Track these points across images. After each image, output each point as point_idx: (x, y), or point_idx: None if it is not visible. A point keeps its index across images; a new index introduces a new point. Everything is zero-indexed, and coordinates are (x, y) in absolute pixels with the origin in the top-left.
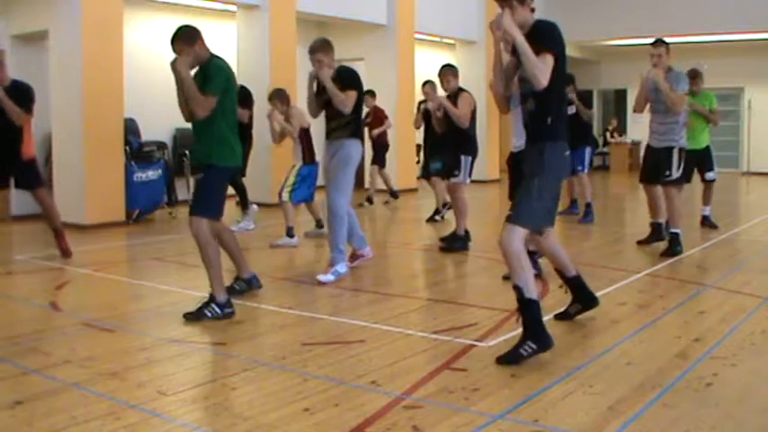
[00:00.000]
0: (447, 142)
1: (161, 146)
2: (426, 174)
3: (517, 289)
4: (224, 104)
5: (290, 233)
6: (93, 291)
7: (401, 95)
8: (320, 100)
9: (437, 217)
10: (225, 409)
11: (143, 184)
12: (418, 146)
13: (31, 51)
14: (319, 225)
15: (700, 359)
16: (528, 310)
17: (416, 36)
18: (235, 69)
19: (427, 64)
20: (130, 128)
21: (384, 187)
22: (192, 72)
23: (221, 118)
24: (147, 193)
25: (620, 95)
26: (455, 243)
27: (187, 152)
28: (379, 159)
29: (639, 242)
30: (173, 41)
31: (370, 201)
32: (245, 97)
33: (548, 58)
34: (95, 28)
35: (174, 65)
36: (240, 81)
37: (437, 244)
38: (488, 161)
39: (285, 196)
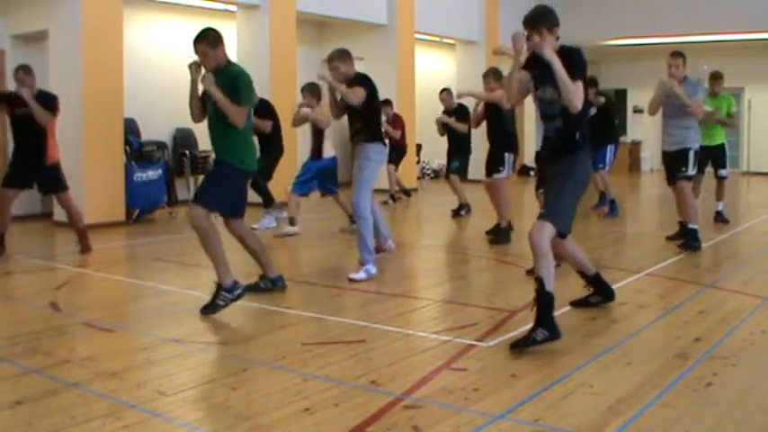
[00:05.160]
0: (493, 142)
1: (161, 146)
2: (447, 174)
3: (539, 280)
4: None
5: (292, 222)
6: (93, 291)
7: (401, 96)
8: (341, 105)
9: (462, 212)
10: (225, 409)
11: (143, 184)
12: (418, 146)
13: (31, 51)
14: (353, 221)
15: (700, 359)
16: (545, 300)
17: (416, 36)
18: None
19: (427, 64)
20: (130, 128)
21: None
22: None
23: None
24: (147, 193)
25: (620, 95)
26: (500, 235)
27: (187, 152)
28: (392, 160)
29: (668, 237)
30: (197, 42)
31: (393, 198)
32: (266, 109)
33: (579, 85)
34: (95, 28)
35: (203, 83)
36: None
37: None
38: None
39: (290, 187)
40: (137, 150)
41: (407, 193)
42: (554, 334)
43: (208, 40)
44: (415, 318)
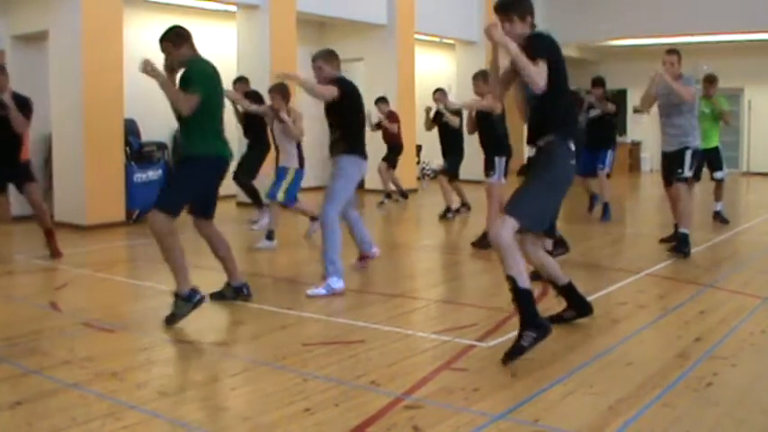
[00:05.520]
0: (484, 145)
1: (161, 146)
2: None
3: (511, 279)
4: (205, 101)
5: (270, 236)
6: (93, 291)
7: (401, 96)
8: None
9: (449, 215)
10: (225, 410)
11: (143, 185)
12: (418, 146)
13: (31, 52)
14: (313, 218)
15: (700, 359)
16: (523, 299)
17: (416, 36)
18: (235, 70)
19: (427, 64)
20: (130, 128)
21: (383, 187)
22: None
23: (204, 114)
24: (147, 194)
25: (620, 96)
26: (483, 241)
27: None
28: (389, 159)
29: (662, 240)
30: (161, 41)
31: (389, 196)
32: (255, 97)
33: (540, 64)
34: (95, 29)
35: (143, 69)
36: None
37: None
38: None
39: (280, 196)
40: (137, 151)
41: (405, 195)
42: (542, 331)
43: (170, 38)
44: (415, 318)
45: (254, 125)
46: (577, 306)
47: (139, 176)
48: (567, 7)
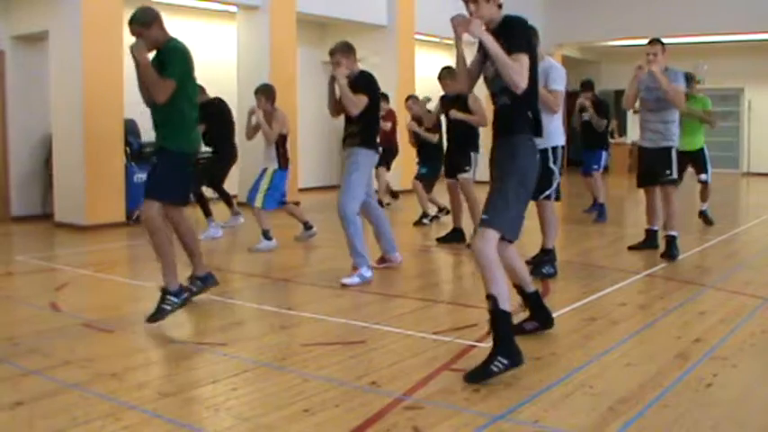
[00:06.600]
0: (458, 142)
1: None
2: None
3: (491, 299)
4: (182, 87)
5: (267, 236)
6: (93, 291)
7: (401, 96)
8: (341, 105)
9: (425, 220)
10: (225, 410)
11: (143, 185)
12: None
13: (31, 52)
14: (307, 227)
15: (700, 360)
16: (501, 322)
17: (416, 37)
18: (235, 70)
19: (427, 65)
20: (130, 128)
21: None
22: (150, 55)
23: (180, 100)
24: None
25: (620, 96)
26: (452, 236)
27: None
28: (385, 161)
29: (631, 247)
30: (129, 23)
31: (380, 203)
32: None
33: (523, 59)
34: (95, 28)
35: (131, 50)
36: (240, 82)
37: (430, 244)
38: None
39: (258, 203)
40: (137, 151)
41: (395, 195)
42: (514, 361)
43: (138, 21)
44: (415, 319)
45: (218, 132)
46: (541, 317)
47: (139, 176)
48: (566, 7)
